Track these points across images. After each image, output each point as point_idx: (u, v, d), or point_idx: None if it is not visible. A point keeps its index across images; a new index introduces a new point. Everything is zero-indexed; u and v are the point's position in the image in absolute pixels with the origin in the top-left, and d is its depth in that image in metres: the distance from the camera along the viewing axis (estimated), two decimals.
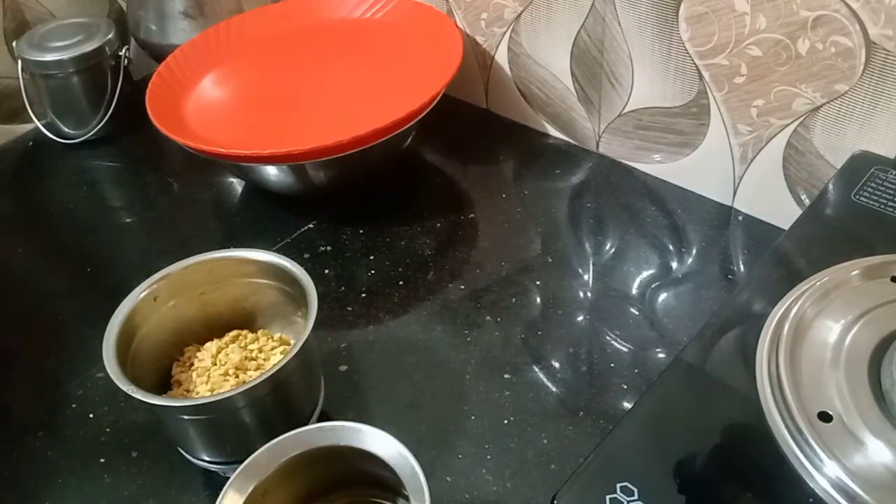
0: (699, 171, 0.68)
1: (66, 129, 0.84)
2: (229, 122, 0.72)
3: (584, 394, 0.53)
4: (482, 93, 0.84)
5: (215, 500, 0.38)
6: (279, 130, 0.70)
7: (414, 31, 0.79)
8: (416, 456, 0.39)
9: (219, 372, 0.50)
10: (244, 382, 0.48)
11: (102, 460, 0.52)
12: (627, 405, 0.52)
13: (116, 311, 0.48)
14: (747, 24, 0.57)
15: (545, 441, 0.50)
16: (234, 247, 0.53)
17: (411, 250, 0.67)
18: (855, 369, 0.38)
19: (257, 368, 0.51)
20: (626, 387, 0.53)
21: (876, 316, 0.41)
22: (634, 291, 0.61)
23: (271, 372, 0.44)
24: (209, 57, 0.79)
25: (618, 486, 0.36)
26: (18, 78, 0.81)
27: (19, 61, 0.80)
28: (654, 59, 0.65)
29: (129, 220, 0.76)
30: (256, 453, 0.40)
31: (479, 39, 0.79)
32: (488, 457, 0.50)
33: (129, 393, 0.43)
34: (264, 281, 0.52)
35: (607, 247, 0.65)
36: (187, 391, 0.50)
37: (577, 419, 0.52)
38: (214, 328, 0.54)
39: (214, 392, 0.49)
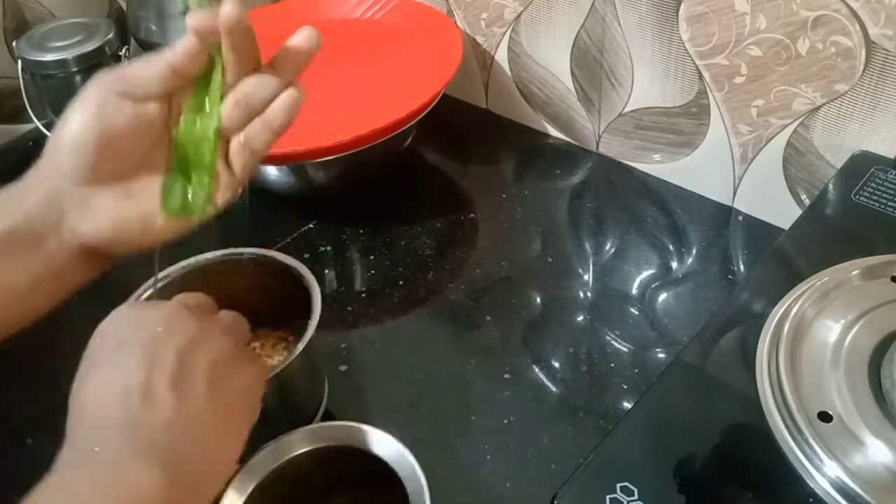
0: (699, 171, 0.68)
1: None
2: None
3: (584, 394, 0.53)
4: (482, 93, 0.84)
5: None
6: None
7: (414, 31, 0.79)
8: (416, 456, 0.39)
9: None
10: None
11: None
12: (627, 405, 0.52)
13: None
14: (747, 24, 0.57)
15: (545, 441, 0.50)
16: (234, 247, 0.53)
17: (411, 250, 0.67)
18: (855, 369, 0.38)
19: None
20: (626, 387, 0.53)
21: (876, 316, 0.41)
22: (634, 291, 0.61)
23: (275, 371, 0.44)
24: None
25: (618, 486, 0.36)
26: (18, 78, 0.81)
27: (19, 61, 0.80)
28: (654, 59, 0.65)
29: None
30: (256, 453, 0.40)
31: (479, 39, 0.79)
32: (488, 457, 0.50)
33: None
34: (265, 280, 0.52)
35: (607, 247, 0.65)
36: None
37: (577, 419, 0.52)
38: None
39: None
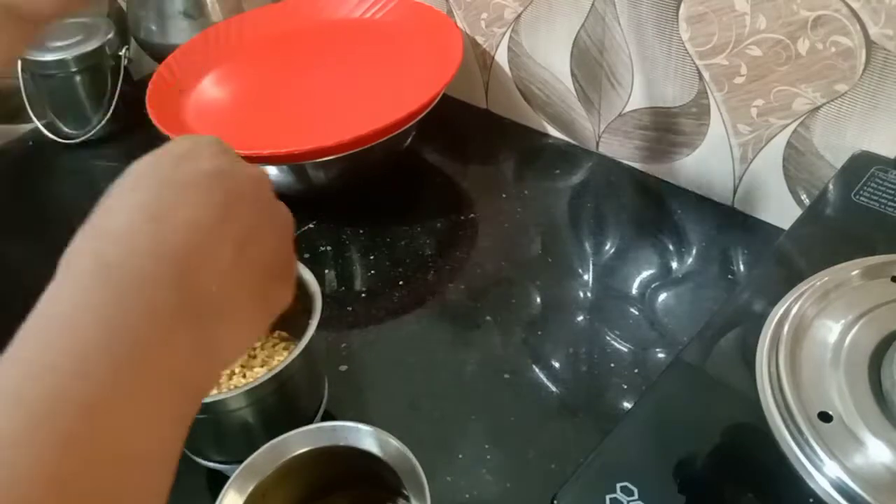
0: (699, 171, 0.68)
1: (66, 129, 0.84)
2: (229, 123, 0.72)
3: (584, 394, 0.53)
4: (482, 93, 0.84)
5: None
6: (279, 130, 0.70)
7: (414, 31, 0.79)
8: (416, 456, 0.39)
9: None
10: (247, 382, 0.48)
11: None
12: (627, 405, 0.52)
13: None
14: (747, 24, 0.57)
15: (545, 441, 0.50)
16: None
17: (411, 250, 0.67)
18: (855, 369, 0.38)
19: (262, 365, 0.51)
20: (626, 387, 0.53)
21: (876, 316, 0.41)
22: (634, 291, 0.61)
23: (275, 371, 0.44)
24: (209, 57, 0.79)
25: (618, 486, 0.36)
26: (18, 78, 0.81)
27: (19, 61, 0.80)
28: (654, 59, 0.65)
29: None
30: (256, 453, 0.40)
31: (479, 39, 0.79)
32: (488, 457, 0.50)
33: None
34: None
35: (607, 247, 0.65)
36: None
37: (577, 419, 0.52)
38: None
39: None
